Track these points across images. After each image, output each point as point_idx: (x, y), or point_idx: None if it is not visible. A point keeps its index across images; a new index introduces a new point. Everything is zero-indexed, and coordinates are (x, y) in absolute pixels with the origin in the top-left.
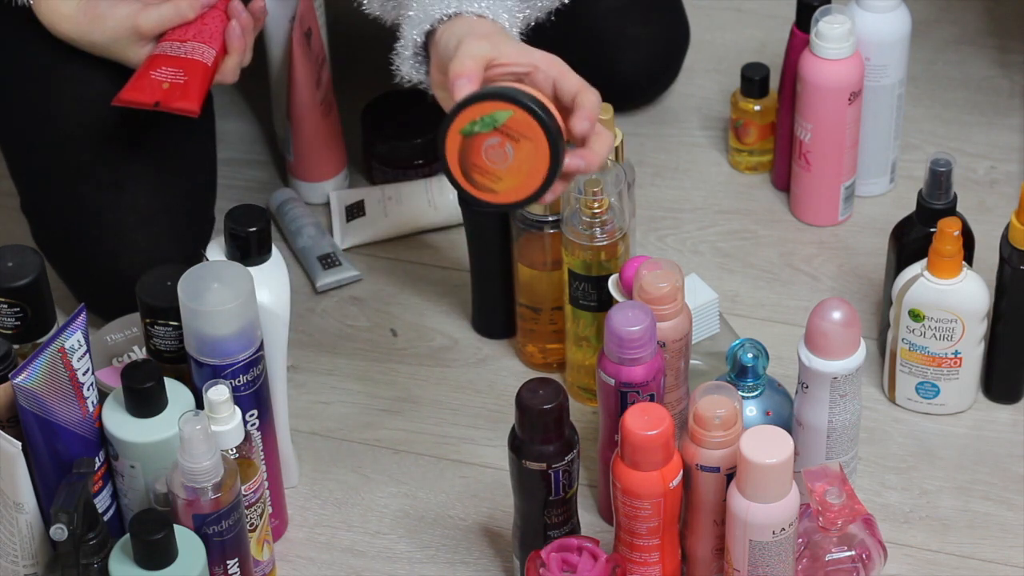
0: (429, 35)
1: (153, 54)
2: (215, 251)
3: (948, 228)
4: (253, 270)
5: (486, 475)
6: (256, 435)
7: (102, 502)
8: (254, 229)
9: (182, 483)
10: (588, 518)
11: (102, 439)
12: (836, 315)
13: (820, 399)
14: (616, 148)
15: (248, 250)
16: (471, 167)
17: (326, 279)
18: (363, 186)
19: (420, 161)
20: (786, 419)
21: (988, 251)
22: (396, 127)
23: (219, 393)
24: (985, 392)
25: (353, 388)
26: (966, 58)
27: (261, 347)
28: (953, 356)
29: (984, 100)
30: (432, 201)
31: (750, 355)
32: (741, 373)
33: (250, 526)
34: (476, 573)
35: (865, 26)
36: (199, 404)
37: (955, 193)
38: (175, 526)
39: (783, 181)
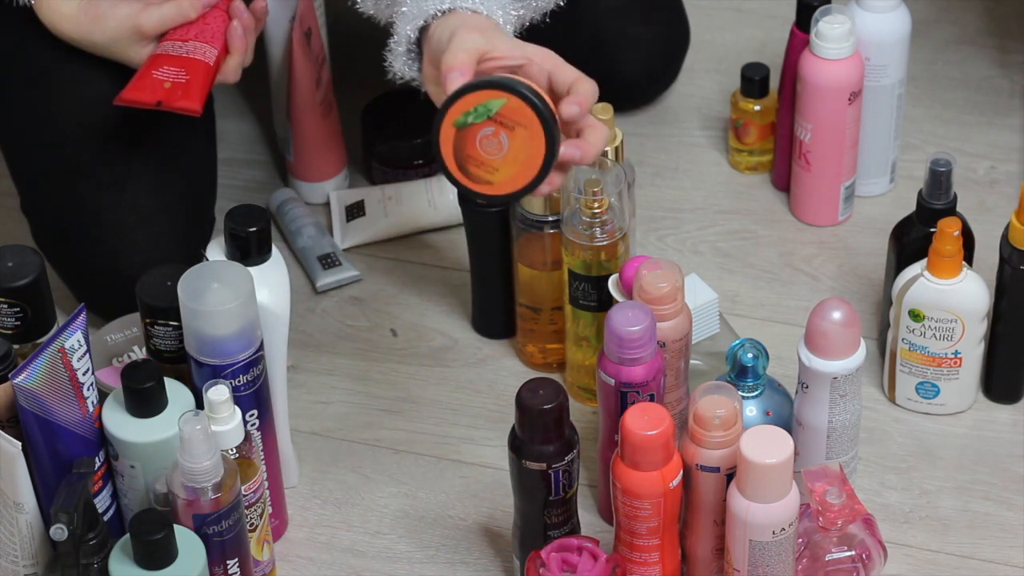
0: (422, 31)
1: (155, 54)
2: (215, 251)
3: (948, 228)
4: (253, 270)
5: (486, 475)
6: (256, 435)
7: (102, 502)
8: (254, 229)
9: (182, 483)
10: (588, 518)
11: (102, 439)
12: (836, 315)
13: (820, 399)
14: (616, 148)
15: (248, 250)
16: (467, 159)
17: (326, 279)
18: (363, 186)
19: (420, 161)
20: (786, 419)
21: (988, 251)
22: (396, 127)
23: (219, 393)
24: (985, 392)
25: (353, 388)
26: (966, 58)
27: (261, 347)
28: (953, 356)
29: (984, 100)
30: (432, 201)
31: (750, 355)
32: (741, 373)
33: (250, 526)
34: (476, 573)
35: (865, 26)
36: (199, 404)
37: (955, 193)
38: (175, 526)
39: (783, 181)
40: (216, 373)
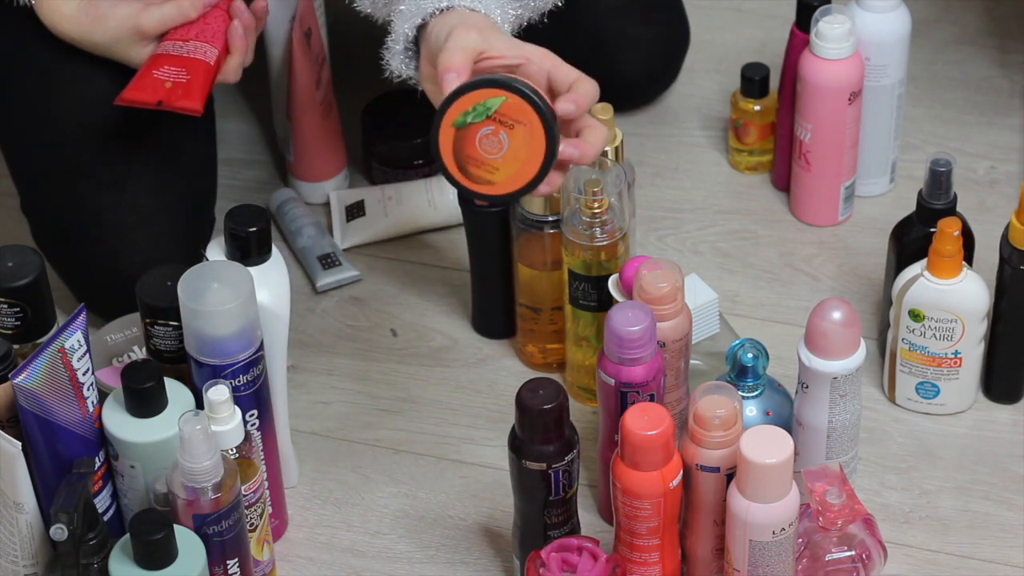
0: (420, 29)
1: (155, 53)
2: (215, 251)
3: (948, 228)
4: (253, 270)
5: (486, 475)
6: (256, 435)
7: (102, 502)
8: (254, 229)
9: (182, 483)
10: (588, 518)
11: (102, 439)
12: (836, 315)
13: (820, 399)
14: (616, 148)
15: (248, 250)
16: (466, 160)
17: (326, 279)
18: (363, 186)
19: (420, 161)
20: (786, 419)
21: (988, 251)
22: (396, 127)
23: (219, 393)
24: (985, 392)
25: (353, 388)
26: (966, 58)
27: (261, 347)
28: (953, 356)
29: (984, 100)
30: (432, 201)
31: (750, 355)
32: (741, 373)
33: (250, 526)
34: (476, 573)
35: (865, 26)
36: (199, 404)
37: (955, 193)
38: (175, 526)
39: (783, 181)
40: (216, 373)
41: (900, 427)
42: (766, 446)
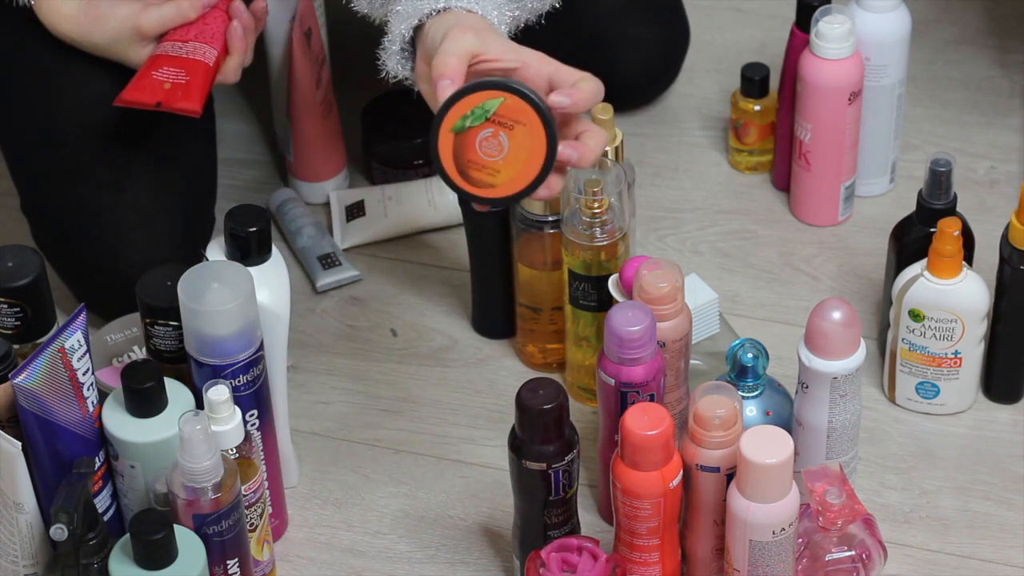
0: (417, 30)
1: (155, 54)
2: (215, 251)
3: (948, 228)
4: (253, 270)
5: (486, 475)
6: (256, 435)
7: (102, 502)
8: (254, 229)
9: (182, 483)
10: (588, 518)
11: (102, 439)
12: (836, 315)
13: (820, 399)
14: (616, 148)
15: (248, 250)
16: (467, 164)
17: (326, 279)
18: (363, 186)
19: (420, 161)
20: (786, 419)
21: (988, 251)
22: (396, 127)
23: (219, 393)
24: (985, 392)
25: (353, 388)
26: (966, 58)
27: (261, 347)
28: (953, 356)
29: (984, 100)
30: (432, 201)
31: (750, 355)
32: (741, 373)
33: (250, 526)
34: (476, 573)
35: (865, 26)
36: (199, 404)
37: (955, 193)
38: (175, 526)
39: (783, 181)
40: (216, 373)
41: (900, 427)
42: (766, 446)
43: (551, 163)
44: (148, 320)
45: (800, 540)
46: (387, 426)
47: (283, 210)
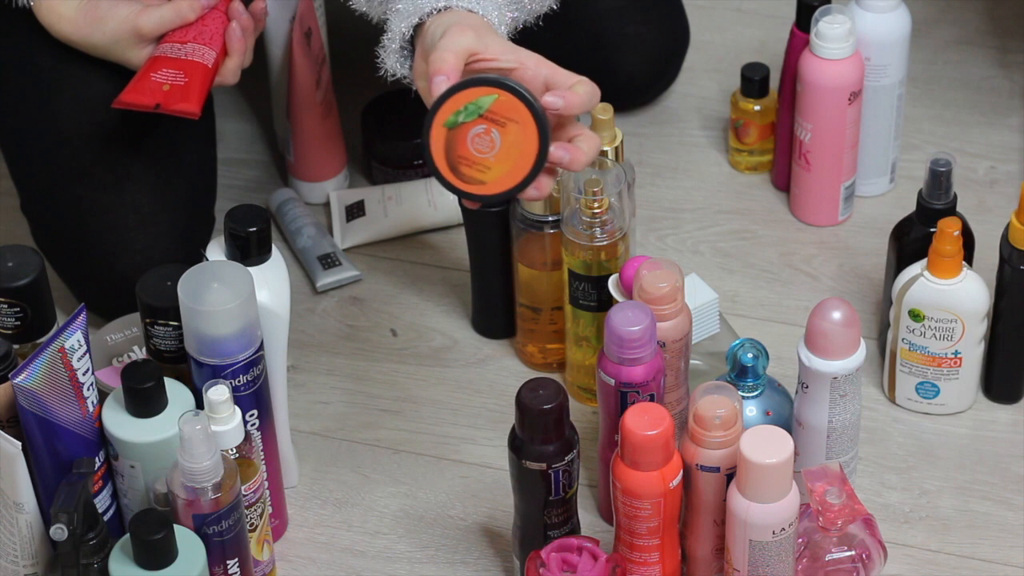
0: (417, 28)
1: (153, 56)
2: (215, 251)
3: (948, 228)
4: (253, 270)
5: (486, 475)
6: (256, 435)
7: (102, 502)
8: (254, 229)
9: (182, 483)
10: (588, 518)
11: (102, 439)
12: (836, 315)
13: (820, 399)
14: (616, 148)
15: (248, 250)
16: (458, 160)
17: (326, 279)
18: (363, 186)
19: (420, 161)
20: (786, 419)
21: (988, 251)
22: (396, 127)
23: (219, 393)
24: (985, 392)
25: (353, 388)
26: (966, 58)
27: (261, 347)
28: (953, 356)
29: (984, 100)
30: (432, 201)
31: (750, 355)
32: (741, 373)
33: (250, 526)
34: (476, 573)
35: (865, 26)
36: (199, 404)
37: (955, 193)
38: (175, 526)
39: (783, 181)
40: (216, 373)
41: (900, 427)
42: (766, 446)
43: (542, 162)
44: (148, 320)
45: (800, 540)
46: (387, 426)
47: (283, 210)
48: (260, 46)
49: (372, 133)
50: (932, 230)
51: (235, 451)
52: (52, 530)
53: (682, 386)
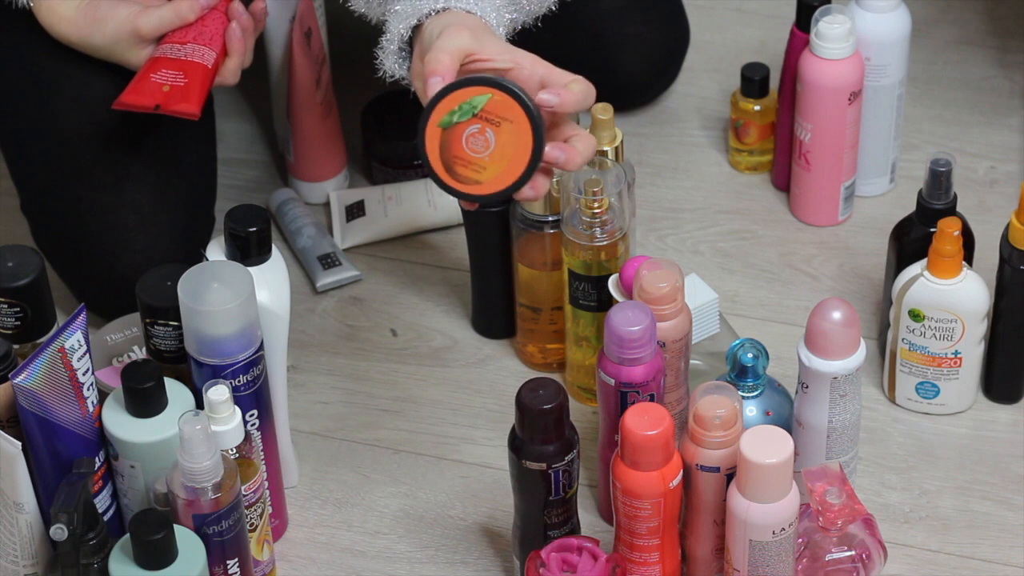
0: (415, 29)
1: (153, 57)
2: (215, 251)
3: (948, 228)
4: (253, 270)
5: (486, 475)
6: (256, 435)
7: (102, 502)
8: (254, 229)
9: (182, 483)
10: (588, 518)
11: (102, 439)
12: (836, 315)
13: (820, 399)
14: (616, 148)
15: (248, 250)
16: (453, 160)
17: (326, 279)
18: (363, 186)
19: (420, 161)
20: (786, 419)
21: (988, 251)
22: (396, 127)
23: (219, 393)
24: (985, 392)
25: (353, 388)
26: (966, 58)
27: (261, 347)
28: (953, 356)
29: (984, 100)
30: (432, 201)
31: (750, 355)
32: (741, 373)
33: (250, 526)
34: (476, 573)
35: (865, 26)
36: (199, 404)
37: (955, 193)
38: (175, 526)
39: (783, 181)
40: (216, 373)
41: (900, 427)
42: (766, 446)
43: (537, 161)
44: (148, 320)
45: (800, 540)
46: (387, 426)
47: (283, 210)
48: (260, 46)
49: (372, 133)
50: (932, 230)
51: (235, 451)
52: (52, 530)
53: (682, 386)
